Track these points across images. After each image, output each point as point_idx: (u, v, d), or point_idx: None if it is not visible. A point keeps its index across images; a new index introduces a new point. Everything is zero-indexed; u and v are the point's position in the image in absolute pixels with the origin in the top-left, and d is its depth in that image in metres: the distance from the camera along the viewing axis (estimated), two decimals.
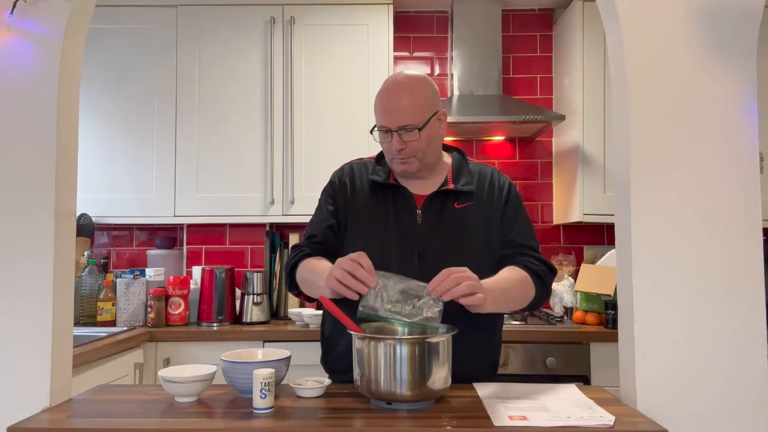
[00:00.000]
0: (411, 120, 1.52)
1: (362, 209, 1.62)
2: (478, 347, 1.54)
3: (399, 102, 1.53)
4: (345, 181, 1.67)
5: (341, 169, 1.72)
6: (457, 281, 1.33)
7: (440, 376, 1.28)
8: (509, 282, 1.52)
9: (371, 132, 1.59)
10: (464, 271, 1.35)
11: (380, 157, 1.70)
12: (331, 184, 1.70)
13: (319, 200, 1.71)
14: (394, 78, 1.59)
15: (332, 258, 1.53)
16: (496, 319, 1.64)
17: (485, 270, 1.55)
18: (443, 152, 1.70)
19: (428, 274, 1.48)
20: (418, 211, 1.59)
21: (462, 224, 1.58)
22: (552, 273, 1.63)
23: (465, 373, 1.43)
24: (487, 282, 1.43)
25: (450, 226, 1.58)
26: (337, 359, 1.59)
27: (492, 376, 1.62)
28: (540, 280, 1.58)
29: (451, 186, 1.61)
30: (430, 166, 1.62)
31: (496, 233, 1.61)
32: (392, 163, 1.60)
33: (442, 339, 1.30)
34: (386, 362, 1.26)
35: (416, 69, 3.36)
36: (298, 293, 1.63)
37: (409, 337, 1.34)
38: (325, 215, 1.65)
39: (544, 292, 1.60)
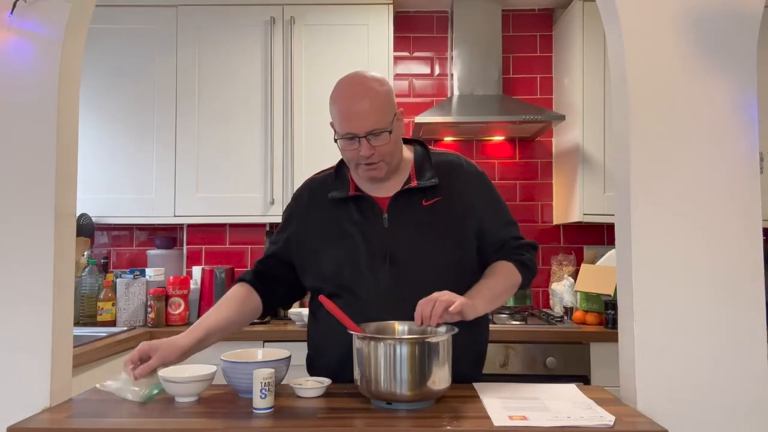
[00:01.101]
0: (378, 123, 1.46)
1: (324, 226, 1.58)
2: (459, 341, 1.49)
3: (363, 106, 1.46)
4: (303, 201, 1.65)
5: (302, 187, 1.70)
6: (431, 304, 1.35)
7: (440, 376, 1.28)
8: (495, 280, 1.55)
9: (335, 141, 1.53)
10: (434, 299, 1.36)
11: (338, 168, 1.65)
12: (290, 206, 1.70)
13: (284, 218, 1.70)
14: (351, 81, 1.52)
15: (277, 280, 1.66)
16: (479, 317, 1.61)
17: (460, 264, 1.55)
18: (404, 147, 1.64)
19: (400, 277, 1.48)
20: (384, 215, 1.54)
21: (432, 221, 1.53)
22: (535, 250, 1.66)
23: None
24: (475, 291, 1.48)
25: (419, 225, 1.53)
26: (323, 367, 1.56)
27: (477, 370, 1.61)
28: (525, 267, 1.60)
29: (414, 183, 1.55)
30: (395, 168, 1.57)
31: (469, 227, 1.57)
32: (358, 170, 1.53)
33: (442, 339, 1.30)
34: (386, 362, 1.26)
35: (417, 69, 3.37)
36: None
37: (409, 337, 1.34)
38: (279, 242, 1.66)
39: (530, 274, 1.63)
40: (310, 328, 1.67)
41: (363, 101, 1.47)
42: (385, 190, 1.57)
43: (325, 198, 1.60)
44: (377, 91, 1.49)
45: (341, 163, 1.66)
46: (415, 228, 1.54)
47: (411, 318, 1.40)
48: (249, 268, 1.68)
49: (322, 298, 1.39)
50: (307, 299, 2.42)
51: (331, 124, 1.58)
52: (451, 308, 1.35)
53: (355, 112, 1.47)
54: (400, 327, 1.43)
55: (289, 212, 1.68)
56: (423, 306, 1.36)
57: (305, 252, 1.60)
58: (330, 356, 1.55)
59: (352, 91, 1.50)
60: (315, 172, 1.73)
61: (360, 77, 1.52)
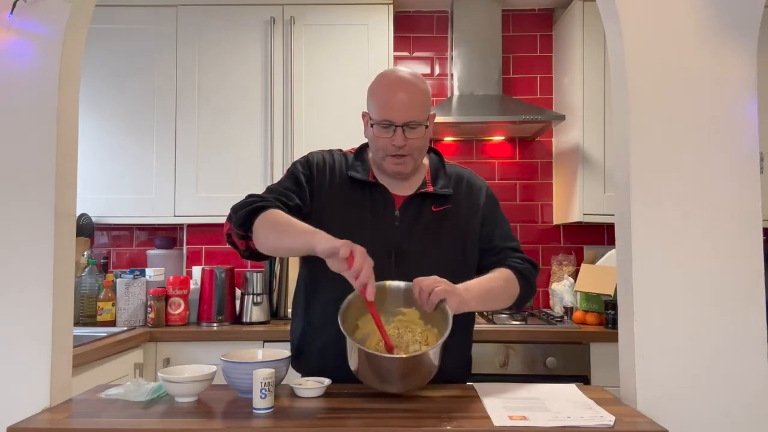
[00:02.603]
0: (417, 116, 1.50)
1: (339, 203, 1.57)
2: (449, 347, 1.50)
3: (406, 97, 1.50)
4: (325, 166, 1.61)
5: (321, 154, 1.64)
6: (427, 293, 1.36)
7: (433, 368, 1.33)
8: (493, 280, 1.55)
9: (371, 126, 1.54)
10: (431, 287, 1.37)
11: (359, 152, 1.66)
12: (309, 163, 1.62)
13: (293, 170, 1.61)
14: (396, 74, 1.55)
15: None
16: (468, 319, 1.62)
17: (461, 273, 1.55)
18: None
19: (406, 275, 1.47)
20: (396, 212, 1.56)
21: (439, 227, 1.57)
22: (535, 269, 1.64)
23: (438, 375, 1.42)
24: (471, 282, 1.47)
25: (427, 229, 1.56)
26: (308, 362, 1.59)
27: (467, 374, 1.64)
28: (524, 278, 1.60)
29: (430, 188, 1.58)
30: (418, 167, 1.60)
31: (473, 238, 1.61)
32: (384, 162, 1.55)
33: (437, 349, 1.31)
34: (381, 372, 1.31)
35: (416, 69, 3.37)
36: (243, 235, 1.47)
37: (402, 356, 1.33)
38: (302, 189, 1.56)
39: (529, 288, 1.62)
40: (292, 324, 1.66)
41: (405, 93, 1.51)
42: (400, 189, 1.59)
43: (343, 174, 1.60)
44: (419, 87, 1.53)
45: (362, 148, 1.67)
46: (423, 231, 1.56)
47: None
48: (252, 199, 1.51)
49: (370, 306, 1.33)
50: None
51: (363, 115, 1.59)
52: (450, 309, 1.35)
53: (397, 101, 1.50)
54: (393, 285, 1.44)
55: (309, 171, 1.60)
56: (421, 290, 1.37)
57: (314, 221, 1.53)
58: (314, 352, 1.57)
59: (396, 82, 1.53)
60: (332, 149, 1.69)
61: (404, 72, 1.56)
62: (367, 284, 1.28)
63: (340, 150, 1.68)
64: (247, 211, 1.46)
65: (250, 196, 1.53)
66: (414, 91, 1.52)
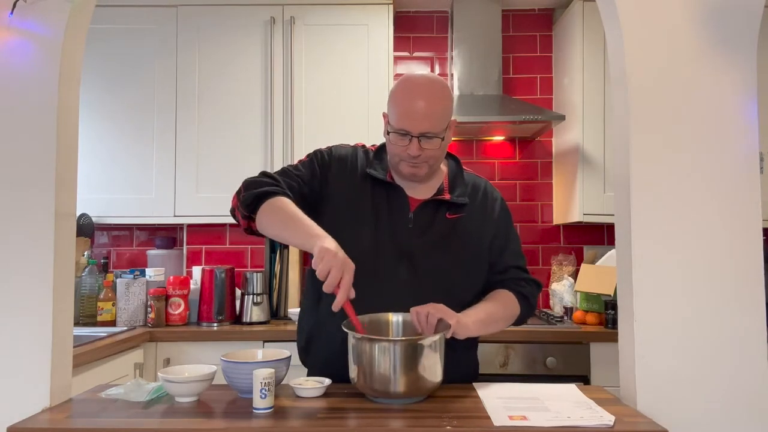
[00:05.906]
0: (434, 128, 1.47)
1: (355, 199, 1.56)
2: (460, 358, 1.51)
3: (424, 107, 1.47)
4: (347, 161, 1.60)
5: (345, 149, 1.64)
6: (425, 317, 1.39)
7: (431, 372, 1.31)
8: (493, 304, 1.56)
9: (388, 134, 1.52)
10: (426, 311, 1.39)
11: (379, 150, 1.65)
12: (331, 156, 1.62)
13: (313, 159, 1.61)
14: (418, 80, 1.51)
15: None
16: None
17: (471, 282, 1.58)
18: None
19: (416, 280, 1.49)
20: (411, 215, 1.55)
21: (452, 235, 1.56)
22: (538, 288, 1.67)
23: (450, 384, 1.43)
24: (471, 310, 1.49)
25: (440, 236, 1.55)
26: (316, 355, 1.60)
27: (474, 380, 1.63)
28: (526, 300, 1.62)
29: (447, 196, 1.57)
30: (433, 173, 1.59)
31: (483, 249, 1.60)
32: (399, 165, 1.54)
33: (434, 339, 1.31)
34: (379, 362, 1.28)
35: (416, 69, 3.37)
36: (248, 216, 1.49)
37: (402, 338, 1.35)
38: (315, 180, 1.57)
39: (530, 309, 1.65)
40: (300, 321, 1.65)
41: (425, 102, 1.47)
42: (417, 192, 1.59)
43: (363, 171, 1.59)
44: (440, 97, 1.50)
45: (383, 146, 1.66)
46: (436, 237, 1.55)
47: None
48: (264, 179, 1.53)
49: (347, 305, 1.34)
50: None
51: (384, 116, 1.58)
52: (446, 335, 1.36)
53: (415, 111, 1.47)
54: (393, 318, 1.45)
55: (323, 165, 1.60)
56: (418, 314, 1.40)
57: (327, 215, 1.54)
58: (322, 348, 1.57)
59: (416, 90, 1.49)
60: (347, 143, 1.70)
61: (426, 79, 1.52)
62: (338, 293, 1.29)
63: (364, 146, 1.68)
64: (255, 195, 1.47)
65: (263, 174, 1.54)
66: (433, 100, 1.48)
